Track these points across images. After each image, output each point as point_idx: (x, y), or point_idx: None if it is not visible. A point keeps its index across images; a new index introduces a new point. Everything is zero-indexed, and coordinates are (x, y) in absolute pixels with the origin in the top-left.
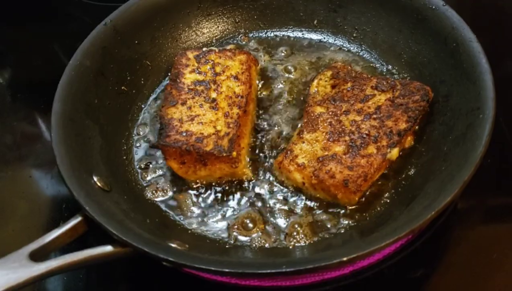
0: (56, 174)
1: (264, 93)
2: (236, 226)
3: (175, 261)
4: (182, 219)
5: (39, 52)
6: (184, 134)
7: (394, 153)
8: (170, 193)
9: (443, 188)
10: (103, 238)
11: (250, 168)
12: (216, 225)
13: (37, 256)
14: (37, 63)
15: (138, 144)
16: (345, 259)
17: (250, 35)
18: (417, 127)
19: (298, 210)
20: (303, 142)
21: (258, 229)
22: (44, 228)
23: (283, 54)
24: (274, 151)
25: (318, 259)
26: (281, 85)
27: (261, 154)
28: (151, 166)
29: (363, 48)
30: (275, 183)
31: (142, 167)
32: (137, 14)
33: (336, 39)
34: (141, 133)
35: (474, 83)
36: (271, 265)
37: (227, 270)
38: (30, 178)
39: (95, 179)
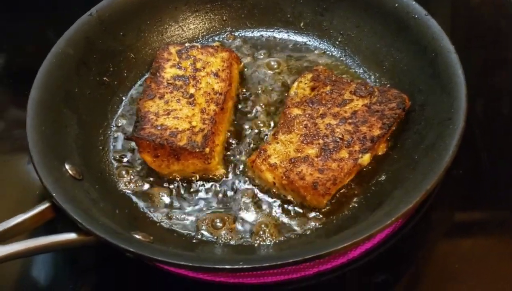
0: None
1: (244, 92)
2: (205, 221)
3: (134, 252)
4: (152, 211)
5: (33, 39)
6: (159, 128)
7: (366, 158)
8: (142, 185)
9: (406, 195)
10: (72, 225)
11: (223, 165)
12: (185, 220)
13: (1, 239)
14: (31, 50)
15: (115, 136)
16: (299, 259)
17: (236, 33)
18: (391, 134)
19: (267, 210)
20: (277, 143)
21: (226, 226)
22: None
23: (267, 54)
24: (249, 150)
25: (273, 257)
26: (262, 85)
27: (236, 152)
28: (126, 157)
29: (346, 53)
30: (247, 181)
31: (117, 158)
32: (124, 6)
33: (321, 42)
34: (119, 124)
35: (448, 94)
36: (229, 261)
37: (183, 263)
38: (7, 162)
39: (67, 167)
